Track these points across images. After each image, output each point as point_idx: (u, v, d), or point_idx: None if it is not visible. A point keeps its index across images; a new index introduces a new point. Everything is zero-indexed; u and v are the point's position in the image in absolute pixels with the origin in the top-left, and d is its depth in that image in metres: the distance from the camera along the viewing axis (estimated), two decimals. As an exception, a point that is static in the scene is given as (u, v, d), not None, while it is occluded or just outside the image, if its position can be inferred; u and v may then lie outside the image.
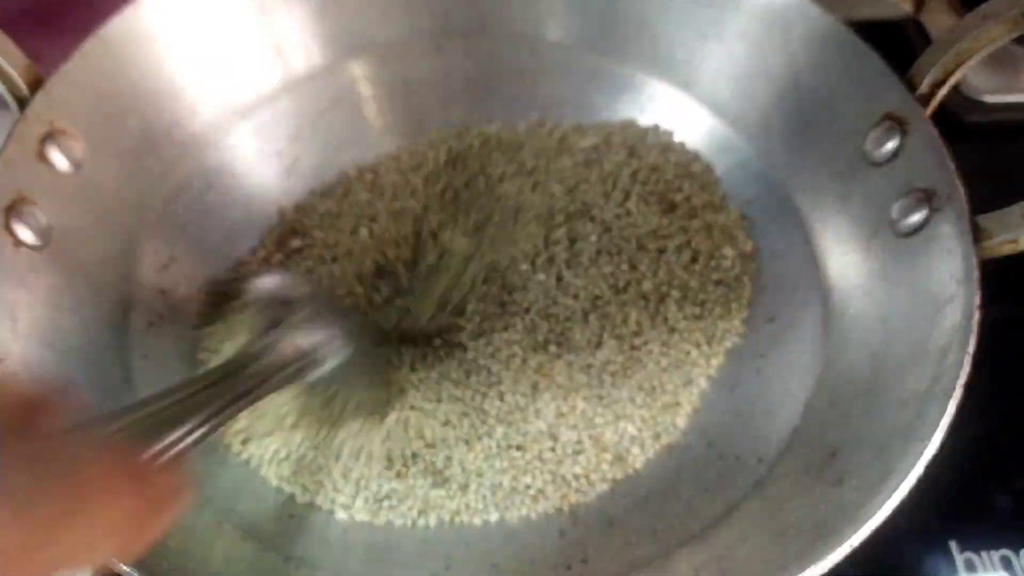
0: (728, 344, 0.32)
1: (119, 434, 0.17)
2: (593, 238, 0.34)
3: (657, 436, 0.30)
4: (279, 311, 0.27)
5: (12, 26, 0.28)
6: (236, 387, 0.23)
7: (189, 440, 0.19)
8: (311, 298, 0.28)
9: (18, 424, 0.14)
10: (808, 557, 0.22)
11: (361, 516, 0.28)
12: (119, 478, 0.14)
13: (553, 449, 0.30)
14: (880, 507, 0.22)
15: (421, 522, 0.28)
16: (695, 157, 0.36)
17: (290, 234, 0.34)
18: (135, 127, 0.31)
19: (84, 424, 0.15)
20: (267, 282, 0.29)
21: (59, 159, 0.28)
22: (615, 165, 0.36)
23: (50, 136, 0.28)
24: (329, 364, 0.27)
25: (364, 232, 0.34)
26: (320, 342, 0.26)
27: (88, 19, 0.30)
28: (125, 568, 0.21)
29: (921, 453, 0.23)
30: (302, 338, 0.26)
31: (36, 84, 0.28)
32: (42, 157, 0.28)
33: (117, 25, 0.30)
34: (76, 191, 0.29)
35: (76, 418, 0.15)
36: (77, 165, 0.29)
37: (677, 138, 0.36)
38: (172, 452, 0.18)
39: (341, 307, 0.32)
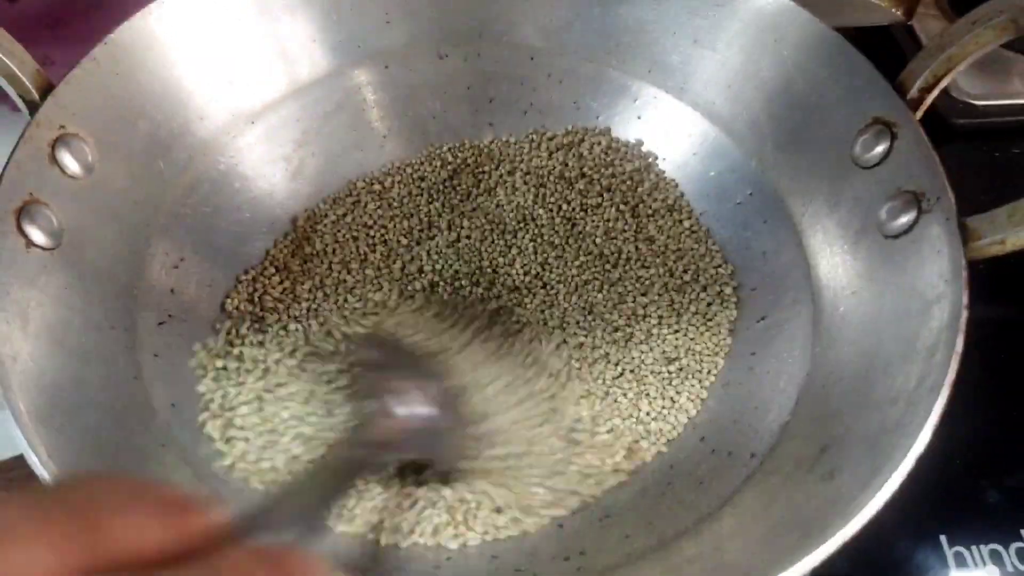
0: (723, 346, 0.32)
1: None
2: (580, 245, 0.35)
3: (660, 432, 0.31)
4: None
5: (23, 32, 0.29)
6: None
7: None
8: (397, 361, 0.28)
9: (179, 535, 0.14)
10: (800, 550, 0.22)
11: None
12: (265, 566, 0.14)
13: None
14: (870, 502, 0.22)
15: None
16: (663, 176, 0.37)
17: (304, 240, 0.35)
18: (144, 131, 0.32)
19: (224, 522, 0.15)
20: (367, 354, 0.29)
21: (70, 162, 0.29)
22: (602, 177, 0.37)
23: (61, 140, 0.28)
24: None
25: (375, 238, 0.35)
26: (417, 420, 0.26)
27: (98, 25, 0.31)
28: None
29: (910, 449, 0.23)
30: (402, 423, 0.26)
31: (47, 89, 0.29)
32: (53, 160, 0.28)
33: (127, 31, 0.31)
34: (87, 193, 0.29)
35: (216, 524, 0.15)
36: (88, 168, 0.29)
37: (670, 145, 0.37)
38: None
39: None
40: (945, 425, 0.24)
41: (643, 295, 0.34)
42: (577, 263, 0.35)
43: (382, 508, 0.28)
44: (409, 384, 0.27)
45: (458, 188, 0.37)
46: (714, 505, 0.27)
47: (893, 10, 0.37)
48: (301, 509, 0.19)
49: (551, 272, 0.35)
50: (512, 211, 0.36)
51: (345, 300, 0.34)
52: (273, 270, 0.34)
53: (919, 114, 0.29)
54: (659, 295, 0.34)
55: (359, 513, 0.28)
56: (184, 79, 0.33)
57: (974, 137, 0.41)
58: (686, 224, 0.36)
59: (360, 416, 0.28)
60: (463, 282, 0.35)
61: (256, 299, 0.33)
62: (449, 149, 0.38)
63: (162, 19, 0.31)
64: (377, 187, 0.37)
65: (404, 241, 0.36)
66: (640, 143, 0.37)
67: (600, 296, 0.34)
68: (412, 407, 0.27)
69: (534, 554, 0.28)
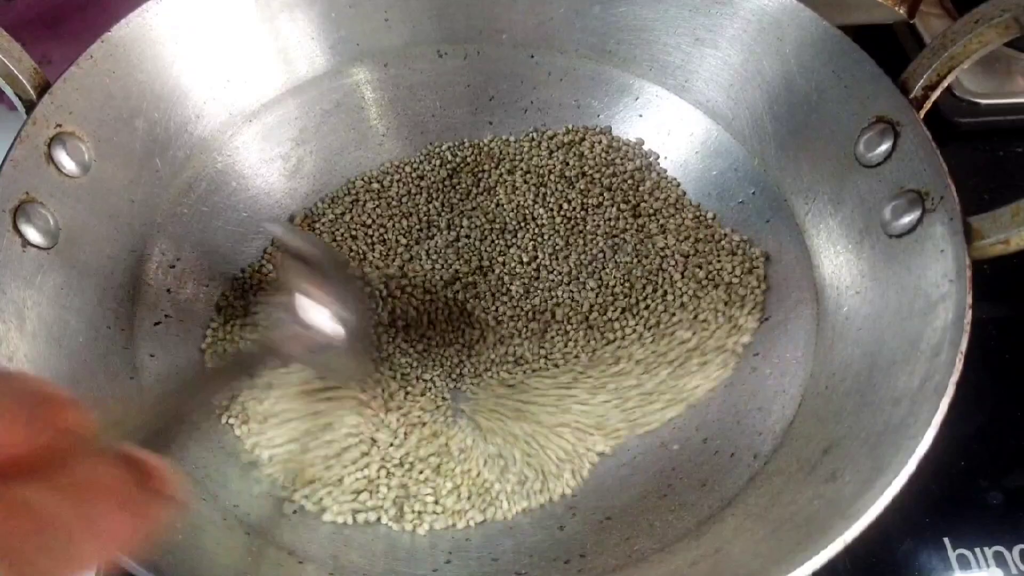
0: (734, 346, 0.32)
1: (122, 431, 0.17)
2: (582, 247, 0.35)
3: (654, 431, 0.30)
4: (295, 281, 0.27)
5: (20, 30, 0.29)
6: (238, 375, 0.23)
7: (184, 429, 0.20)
8: (326, 261, 0.28)
9: (41, 423, 0.14)
10: (802, 552, 0.22)
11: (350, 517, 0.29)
12: (127, 475, 0.14)
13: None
14: (873, 503, 0.22)
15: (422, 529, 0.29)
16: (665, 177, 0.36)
17: None
18: (142, 130, 0.32)
19: (91, 422, 0.15)
20: (291, 240, 0.29)
21: (66, 161, 0.29)
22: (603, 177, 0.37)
23: (57, 138, 0.28)
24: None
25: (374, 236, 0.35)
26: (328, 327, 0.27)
27: (95, 24, 0.31)
28: (134, 565, 0.21)
29: (913, 450, 0.23)
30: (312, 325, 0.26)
31: (43, 87, 0.28)
32: (50, 159, 0.28)
33: (123, 29, 0.30)
34: (83, 193, 0.29)
35: (85, 415, 0.15)
36: (84, 167, 0.29)
37: (672, 144, 0.37)
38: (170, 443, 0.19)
39: (351, 275, 0.32)
40: (948, 426, 0.23)
41: (644, 294, 0.34)
42: (576, 262, 0.35)
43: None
44: (321, 301, 0.27)
45: (457, 187, 0.37)
46: (716, 507, 0.27)
47: (896, 8, 0.37)
48: (176, 408, 0.19)
49: (551, 272, 0.35)
50: (512, 210, 0.36)
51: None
52: (271, 268, 0.34)
53: (922, 113, 0.29)
54: (660, 295, 0.34)
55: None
56: (181, 77, 0.33)
57: (977, 136, 0.41)
58: (688, 223, 0.35)
59: (266, 320, 0.28)
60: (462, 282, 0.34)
61: (253, 298, 0.33)
62: (448, 148, 0.38)
63: (159, 17, 0.31)
64: (376, 186, 0.37)
65: (403, 240, 0.36)
66: (641, 142, 0.37)
67: (598, 295, 0.34)
68: (315, 325, 0.27)
69: (534, 556, 0.27)
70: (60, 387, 0.15)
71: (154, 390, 0.27)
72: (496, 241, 0.36)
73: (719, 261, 0.34)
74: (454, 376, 0.32)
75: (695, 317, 0.33)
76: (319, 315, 0.27)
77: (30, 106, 0.28)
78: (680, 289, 0.34)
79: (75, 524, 0.13)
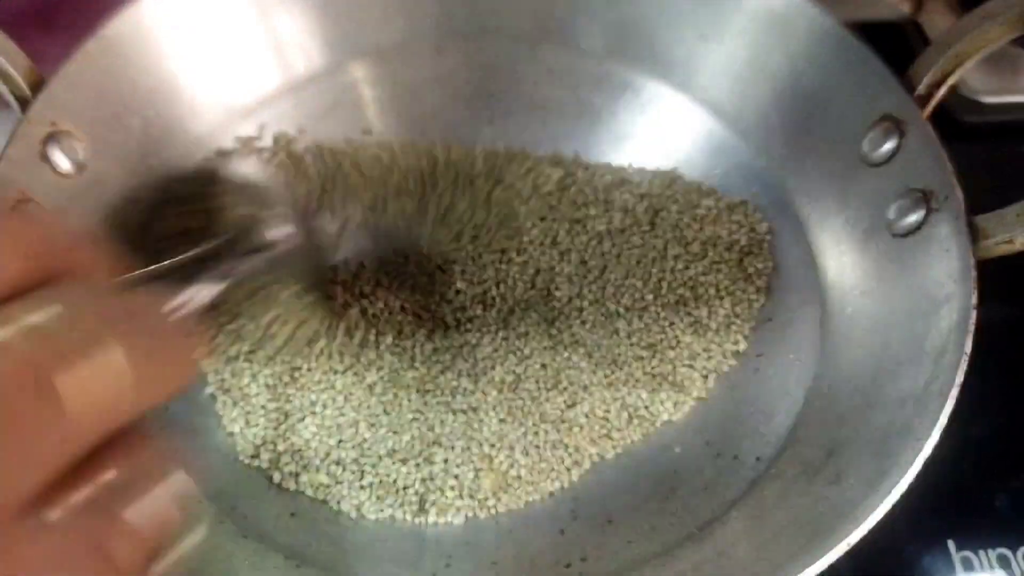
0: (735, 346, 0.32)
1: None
2: (591, 249, 0.34)
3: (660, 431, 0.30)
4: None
5: (13, 26, 0.28)
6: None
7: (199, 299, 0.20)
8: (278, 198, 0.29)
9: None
10: (806, 555, 0.22)
11: (365, 509, 0.29)
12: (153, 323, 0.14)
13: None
14: (877, 506, 0.22)
15: (419, 520, 0.29)
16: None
17: None
18: (137, 127, 0.31)
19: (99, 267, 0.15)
20: (242, 170, 0.29)
21: (61, 159, 0.28)
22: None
23: (52, 137, 0.28)
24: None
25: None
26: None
27: (89, 19, 0.30)
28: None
29: (918, 452, 0.23)
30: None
31: (38, 85, 0.28)
32: (44, 158, 0.28)
33: (118, 25, 0.30)
34: (78, 191, 0.29)
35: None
36: (79, 165, 0.29)
37: (675, 141, 0.36)
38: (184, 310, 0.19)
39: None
40: (953, 427, 0.23)
41: (647, 293, 0.34)
42: (577, 265, 0.34)
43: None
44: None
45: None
46: (719, 510, 0.27)
47: (901, 5, 0.37)
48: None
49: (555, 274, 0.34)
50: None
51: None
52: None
53: (928, 111, 0.29)
54: (665, 294, 0.33)
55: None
56: (177, 74, 0.32)
57: (983, 135, 0.41)
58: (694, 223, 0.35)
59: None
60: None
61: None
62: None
63: (155, 13, 0.31)
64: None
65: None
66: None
67: (605, 294, 0.34)
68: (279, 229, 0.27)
69: (535, 560, 0.27)
70: (71, 227, 0.14)
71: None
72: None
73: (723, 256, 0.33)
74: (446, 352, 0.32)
75: (696, 321, 0.32)
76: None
77: (24, 104, 0.28)
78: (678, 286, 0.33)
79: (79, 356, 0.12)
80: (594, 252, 0.34)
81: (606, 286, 0.33)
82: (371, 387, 0.31)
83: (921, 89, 0.29)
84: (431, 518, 0.28)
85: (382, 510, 0.28)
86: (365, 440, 0.30)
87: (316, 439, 0.30)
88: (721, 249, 0.33)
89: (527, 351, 0.32)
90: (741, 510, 0.27)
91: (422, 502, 0.28)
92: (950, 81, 0.29)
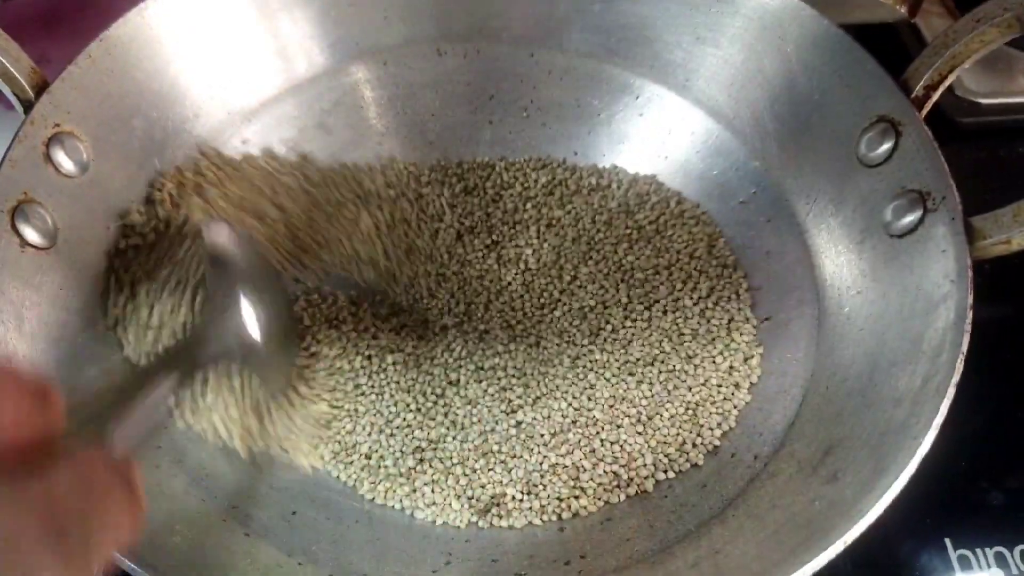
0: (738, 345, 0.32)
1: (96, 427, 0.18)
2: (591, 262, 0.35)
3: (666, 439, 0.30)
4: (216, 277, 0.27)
5: (17, 29, 0.29)
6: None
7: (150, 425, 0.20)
8: (247, 261, 0.28)
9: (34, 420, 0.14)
10: (803, 553, 0.22)
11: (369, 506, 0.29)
12: (114, 474, 0.15)
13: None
14: (874, 504, 0.22)
15: (420, 514, 0.29)
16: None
17: None
18: (140, 129, 0.31)
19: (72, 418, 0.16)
20: (211, 235, 0.28)
21: (65, 161, 0.29)
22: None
23: (55, 138, 0.28)
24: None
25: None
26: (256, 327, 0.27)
27: (93, 22, 0.31)
28: (133, 566, 0.21)
29: (914, 451, 0.23)
30: (242, 323, 0.26)
31: (41, 87, 0.28)
32: (48, 159, 0.28)
33: (121, 28, 0.30)
34: (82, 192, 0.29)
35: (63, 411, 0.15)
36: (82, 167, 0.29)
37: (672, 143, 0.37)
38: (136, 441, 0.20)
39: (272, 270, 0.32)
40: (950, 426, 0.23)
41: (648, 293, 0.34)
42: (578, 274, 0.35)
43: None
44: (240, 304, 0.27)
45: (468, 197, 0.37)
46: (716, 508, 0.27)
47: (897, 7, 0.37)
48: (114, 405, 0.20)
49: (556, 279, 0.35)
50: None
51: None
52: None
53: (924, 112, 0.29)
54: (663, 294, 0.34)
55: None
56: (180, 76, 0.33)
57: (979, 136, 0.41)
58: (691, 226, 0.35)
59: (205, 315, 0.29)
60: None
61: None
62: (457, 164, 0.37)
63: (158, 15, 0.31)
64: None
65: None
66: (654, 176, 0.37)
67: (601, 298, 0.34)
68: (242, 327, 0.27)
69: (534, 558, 0.27)
70: (46, 378, 0.15)
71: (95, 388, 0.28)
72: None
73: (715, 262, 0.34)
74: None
75: (689, 320, 0.33)
76: (240, 317, 0.26)
77: (28, 105, 0.28)
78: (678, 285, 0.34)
79: (93, 516, 0.13)
80: (592, 256, 0.35)
81: (608, 289, 0.34)
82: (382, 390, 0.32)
83: (917, 91, 0.29)
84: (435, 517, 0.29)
85: (385, 506, 0.29)
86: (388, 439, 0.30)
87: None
88: (687, 255, 0.34)
89: (509, 363, 0.32)
90: (739, 508, 0.27)
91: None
92: (946, 82, 0.29)
